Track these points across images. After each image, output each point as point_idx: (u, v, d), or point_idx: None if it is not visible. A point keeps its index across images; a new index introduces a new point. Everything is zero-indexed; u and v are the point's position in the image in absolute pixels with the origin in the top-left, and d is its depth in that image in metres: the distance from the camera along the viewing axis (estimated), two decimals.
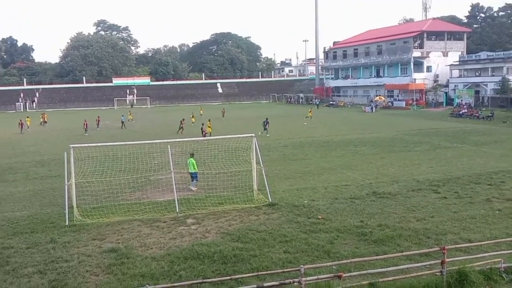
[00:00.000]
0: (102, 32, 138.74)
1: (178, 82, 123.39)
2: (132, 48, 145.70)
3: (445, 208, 17.03)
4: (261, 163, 19.06)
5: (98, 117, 55.74)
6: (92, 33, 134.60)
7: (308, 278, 9.98)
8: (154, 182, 22.21)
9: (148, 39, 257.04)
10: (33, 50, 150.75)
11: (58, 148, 33.38)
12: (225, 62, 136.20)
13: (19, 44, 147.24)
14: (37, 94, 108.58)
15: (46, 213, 17.77)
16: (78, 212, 16.96)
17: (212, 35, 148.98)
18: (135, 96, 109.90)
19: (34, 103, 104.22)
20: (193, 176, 21.01)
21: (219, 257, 12.63)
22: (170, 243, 14.05)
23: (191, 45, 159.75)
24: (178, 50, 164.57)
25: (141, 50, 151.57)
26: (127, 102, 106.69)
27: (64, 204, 16.94)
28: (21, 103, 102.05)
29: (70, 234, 15.07)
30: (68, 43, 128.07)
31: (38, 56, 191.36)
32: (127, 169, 23.44)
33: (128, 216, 16.83)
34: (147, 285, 9.35)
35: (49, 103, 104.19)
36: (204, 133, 39.85)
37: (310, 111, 60.28)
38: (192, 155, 21.36)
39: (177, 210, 17.15)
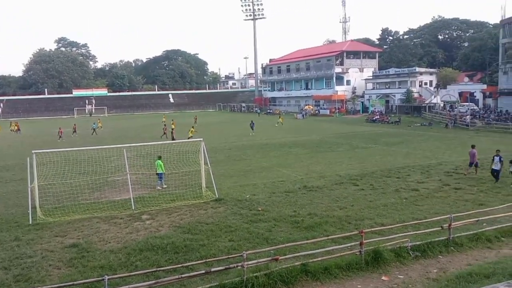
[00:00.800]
0: (63, 48, 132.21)
1: (133, 93, 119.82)
2: (91, 62, 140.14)
3: (363, 198, 17.65)
4: (209, 164, 18.91)
5: (75, 124, 52.25)
6: (53, 49, 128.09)
7: (250, 262, 10.00)
8: (112, 183, 21.44)
9: (106, 54, 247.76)
10: None
11: (23, 154, 31.47)
12: (176, 75, 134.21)
13: None
14: (1, 105, 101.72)
15: (10, 213, 16.71)
16: (41, 212, 16.04)
17: (163, 51, 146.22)
18: (93, 106, 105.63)
19: None
20: (160, 176, 20.56)
21: (172, 247, 12.39)
22: (127, 237, 13.61)
23: (145, 60, 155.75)
24: (133, 64, 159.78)
25: (99, 65, 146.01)
26: (86, 111, 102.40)
27: (27, 205, 16.00)
28: None
29: (34, 232, 14.24)
30: (30, 58, 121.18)
31: (2, 70, 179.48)
32: (87, 172, 22.50)
33: (87, 214, 16.14)
34: (106, 275, 9.00)
35: (13, 113, 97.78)
36: (173, 136, 39.55)
37: (280, 117, 60.35)
38: (159, 158, 20.83)
39: (133, 208, 16.65)
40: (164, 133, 43.74)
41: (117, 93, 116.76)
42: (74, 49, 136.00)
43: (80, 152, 25.18)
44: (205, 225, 14.52)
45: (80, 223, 15.18)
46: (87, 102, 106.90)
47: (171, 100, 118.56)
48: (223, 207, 16.74)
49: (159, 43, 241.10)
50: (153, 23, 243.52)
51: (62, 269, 11.27)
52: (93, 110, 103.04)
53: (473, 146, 22.38)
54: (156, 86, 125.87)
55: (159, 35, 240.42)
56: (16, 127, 57.54)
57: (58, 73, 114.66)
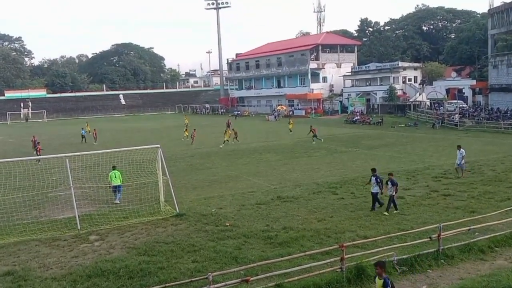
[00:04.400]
0: None
1: (77, 94, 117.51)
2: (26, 59, 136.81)
3: (343, 208, 17.91)
4: (167, 174, 18.73)
5: (34, 136, 42.87)
6: None
7: (216, 285, 9.96)
8: (53, 199, 20.90)
9: (44, 49, 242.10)
10: None
11: None
12: (128, 73, 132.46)
13: None
14: None
15: None
16: None
17: (112, 45, 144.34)
18: (30, 110, 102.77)
19: None
20: (118, 189, 20.36)
21: (125, 272, 12.15)
22: (72, 261, 13.27)
23: (90, 56, 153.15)
24: (77, 61, 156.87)
25: (36, 61, 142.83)
26: (22, 116, 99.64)
27: None
28: None
29: None
30: None
31: None
32: (23, 187, 21.78)
33: (24, 237, 15.63)
34: None
35: None
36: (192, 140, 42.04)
37: (291, 122, 52.97)
38: (114, 168, 20.72)
39: (79, 227, 16.26)
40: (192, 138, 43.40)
41: (58, 94, 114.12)
42: (6, 43, 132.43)
43: (14, 164, 24.38)
44: (164, 245, 14.35)
45: (15, 247, 14.69)
46: (22, 105, 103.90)
47: (122, 101, 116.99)
48: (185, 224, 16.59)
49: (107, 36, 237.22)
50: (99, 11, 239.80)
51: None
52: (30, 115, 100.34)
53: None
54: (104, 86, 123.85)
55: (107, 26, 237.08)
56: None
57: None
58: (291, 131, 49.12)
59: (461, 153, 22.99)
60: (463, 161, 23.09)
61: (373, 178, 17.70)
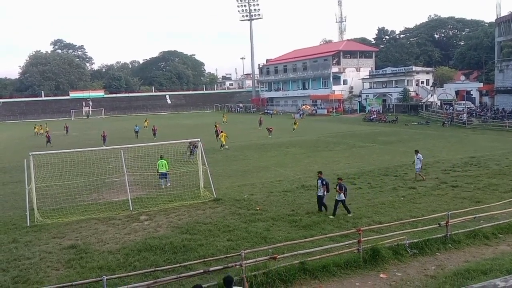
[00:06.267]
0: (59, 51, 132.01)
1: (130, 94, 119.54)
2: (87, 64, 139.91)
3: (360, 196, 17.69)
4: (206, 164, 18.93)
5: (104, 132, 41.64)
6: (49, 52, 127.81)
7: (248, 261, 10.02)
8: (109, 184, 21.44)
9: (102, 56, 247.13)
10: None
11: (20, 155, 31.36)
12: (173, 76, 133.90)
13: None
14: None
15: (8, 215, 16.68)
16: (38, 214, 16.02)
17: (160, 52, 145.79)
18: (90, 108, 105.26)
19: None
20: (165, 176, 20.84)
21: (170, 247, 12.40)
22: (125, 238, 13.61)
23: (141, 62, 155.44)
24: (130, 66, 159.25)
25: (95, 66, 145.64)
26: (83, 113, 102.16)
27: (25, 207, 15.97)
28: None
29: (32, 234, 14.23)
30: (26, 60, 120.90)
31: None
32: (84, 173, 22.49)
33: (85, 216, 16.14)
34: (104, 276, 9.00)
35: (9, 115, 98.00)
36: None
37: (295, 123, 51.12)
38: (161, 157, 21.15)
39: (131, 209, 16.65)
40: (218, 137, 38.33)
41: (114, 95, 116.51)
42: (70, 51, 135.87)
43: (77, 154, 25.15)
44: (203, 225, 14.53)
45: (78, 225, 15.18)
46: (84, 104, 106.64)
47: (168, 101, 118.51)
48: (221, 207, 16.75)
49: (155, 44, 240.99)
50: (149, 24, 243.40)
51: (60, 270, 11.27)
52: (90, 112, 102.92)
53: None
54: (153, 87, 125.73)
55: (156, 36, 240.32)
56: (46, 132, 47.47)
57: (54, 75, 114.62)
58: (293, 129, 47.60)
59: (418, 158, 20.34)
60: (419, 165, 20.37)
61: (319, 181, 15.68)
